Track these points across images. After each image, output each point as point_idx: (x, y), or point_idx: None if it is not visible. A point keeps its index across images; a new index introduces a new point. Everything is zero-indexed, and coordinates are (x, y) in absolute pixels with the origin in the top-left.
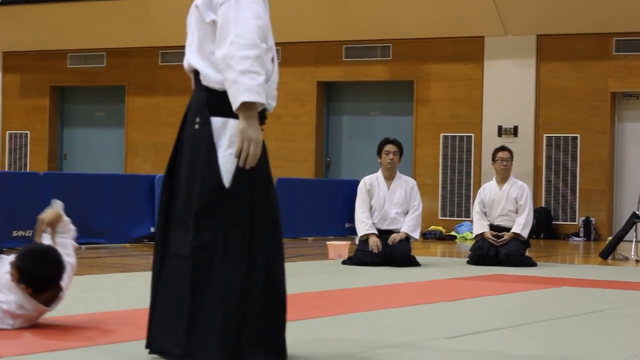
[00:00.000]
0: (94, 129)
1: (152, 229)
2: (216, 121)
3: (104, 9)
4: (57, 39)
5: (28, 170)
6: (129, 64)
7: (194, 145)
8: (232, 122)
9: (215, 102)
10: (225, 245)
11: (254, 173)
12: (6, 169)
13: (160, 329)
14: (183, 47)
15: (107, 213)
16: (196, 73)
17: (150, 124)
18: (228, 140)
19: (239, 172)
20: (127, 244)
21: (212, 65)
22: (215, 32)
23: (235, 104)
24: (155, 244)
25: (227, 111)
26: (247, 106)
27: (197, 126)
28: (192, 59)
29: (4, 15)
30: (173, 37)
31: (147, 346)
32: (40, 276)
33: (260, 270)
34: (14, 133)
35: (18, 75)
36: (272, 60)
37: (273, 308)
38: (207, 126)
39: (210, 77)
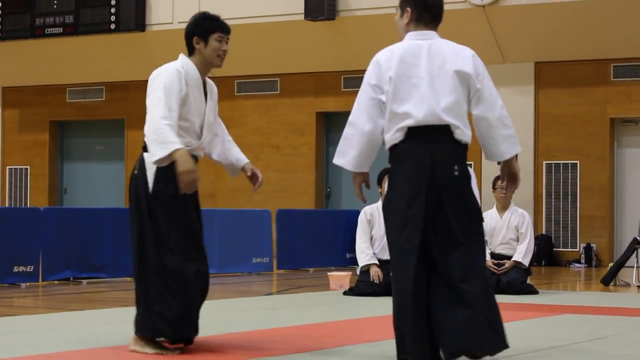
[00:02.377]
0: (94, 163)
1: None
2: (469, 169)
3: (102, 44)
4: (56, 74)
5: (28, 206)
6: (128, 97)
7: (458, 189)
8: (470, 169)
9: (466, 153)
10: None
11: None
12: (6, 205)
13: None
14: None
15: (108, 247)
16: (441, 128)
17: None
18: (473, 182)
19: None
20: (127, 278)
21: (465, 124)
22: (468, 97)
23: (511, 153)
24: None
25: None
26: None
27: (456, 173)
28: (446, 116)
29: (2, 50)
30: None
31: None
32: None
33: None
34: (14, 168)
35: (17, 110)
36: None
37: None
38: (466, 173)
39: (466, 133)
